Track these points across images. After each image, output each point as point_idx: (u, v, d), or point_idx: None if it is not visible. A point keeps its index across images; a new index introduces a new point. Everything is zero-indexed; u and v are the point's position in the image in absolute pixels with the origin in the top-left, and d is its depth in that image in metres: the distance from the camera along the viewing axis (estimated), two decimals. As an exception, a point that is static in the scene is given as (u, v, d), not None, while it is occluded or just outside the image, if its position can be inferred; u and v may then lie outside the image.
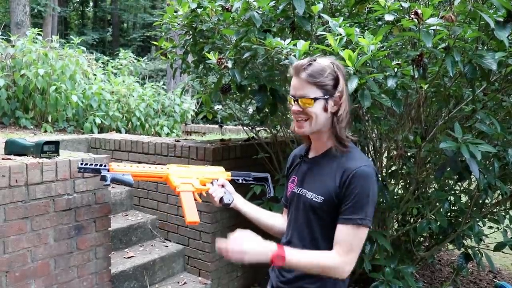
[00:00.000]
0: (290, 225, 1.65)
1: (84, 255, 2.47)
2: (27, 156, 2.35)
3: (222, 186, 1.79)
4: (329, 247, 1.47)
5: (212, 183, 1.79)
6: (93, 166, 1.74)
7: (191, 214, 1.70)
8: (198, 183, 1.78)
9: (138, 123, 6.38)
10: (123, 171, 1.72)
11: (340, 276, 1.46)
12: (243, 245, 1.40)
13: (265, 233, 1.79)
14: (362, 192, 1.42)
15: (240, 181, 1.92)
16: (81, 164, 1.75)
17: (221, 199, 1.73)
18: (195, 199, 1.74)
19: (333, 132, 1.51)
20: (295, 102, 1.49)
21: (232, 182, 1.88)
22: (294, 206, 1.62)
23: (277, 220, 1.77)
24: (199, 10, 2.96)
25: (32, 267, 2.24)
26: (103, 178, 1.69)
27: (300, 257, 1.44)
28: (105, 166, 1.73)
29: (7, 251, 2.13)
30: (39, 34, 5.99)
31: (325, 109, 1.47)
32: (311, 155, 1.63)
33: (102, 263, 2.58)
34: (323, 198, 1.48)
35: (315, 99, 1.46)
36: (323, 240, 1.50)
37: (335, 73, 1.47)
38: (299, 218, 1.59)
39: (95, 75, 6.48)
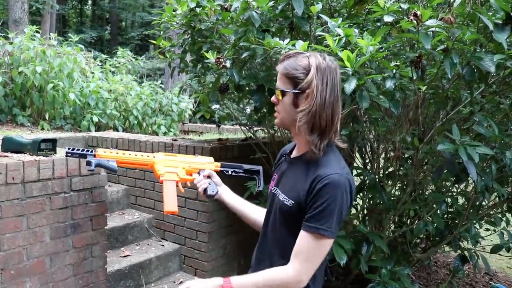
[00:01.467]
0: (263, 223, 1.63)
1: (80, 253, 2.46)
2: (24, 153, 2.34)
3: (209, 177, 1.75)
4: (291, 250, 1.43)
5: (198, 173, 1.77)
6: (80, 152, 1.77)
7: (170, 204, 1.70)
8: (183, 173, 1.77)
9: (136, 122, 6.36)
10: (109, 157, 1.74)
11: (296, 286, 1.40)
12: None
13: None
14: (330, 201, 1.34)
15: (230, 173, 1.88)
16: (69, 149, 1.78)
17: (205, 190, 1.71)
18: (178, 189, 1.74)
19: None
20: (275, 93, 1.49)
21: (222, 174, 1.85)
22: (269, 205, 1.59)
23: (263, 216, 1.70)
24: (197, 9, 2.96)
25: (28, 265, 2.23)
26: (88, 163, 1.71)
27: (250, 284, 1.43)
28: (91, 152, 1.75)
29: (2, 248, 2.12)
30: (37, 32, 5.97)
31: (295, 104, 1.42)
32: (293, 154, 1.57)
33: (98, 261, 2.57)
34: (293, 202, 1.43)
35: (283, 92, 1.43)
36: (290, 243, 1.43)
37: (309, 67, 1.39)
38: (270, 217, 1.56)
39: (93, 73, 6.46)
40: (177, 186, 1.75)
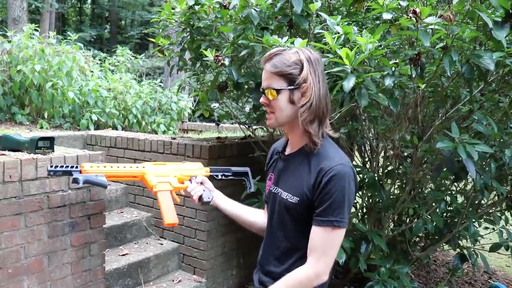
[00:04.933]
0: (267, 224, 1.60)
1: (78, 252, 2.45)
2: (22, 151, 2.33)
3: (201, 183, 1.73)
4: (305, 243, 1.42)
5: (190, 180, 1.73)
6: (64, 168, 1.67)
7: (169, 216, 1.65)
8: (175, 181, 1.73)
9: (135, 121, 6.35)
10: (96, 172, 1.66)
11: (320, 283, 1.41)
12: None
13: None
14: (338, 193, 1.35)
15: (220, 177, 1.86)
16: (51, 166, 1.68)
17: (200, 197, 1.67)
18: (173, 198, 1.69)
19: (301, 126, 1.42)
20: (263, 94, 1.45)
21: (212, 178, 1.83)
22: (271, 204, 1.57)
23: (259, 217, 1.71)
24: (196, 7, 2.95)
25: (26, 264, 2.22)
26: (75, 181, 1.63)
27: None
28: (76, 167, 1.67)
29: (0, 247, 2.11)
30: (36, 30, 5.95)
31: (291, 101, 1.40)
32: (287, 151, 1.56)
33: (96, 260, 2.56)
34: (298, 199, 1.43)
35: (278, 91, 1.40)
36: (299, 239, 1.45)
37: (301, 62, 1.39)
38: (274, 217, 1.54)
39: (92, 71, 6.44)
40: (171, 196, 1.71)
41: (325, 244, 1.38)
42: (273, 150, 1.69)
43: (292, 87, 1.39)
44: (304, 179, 1.42)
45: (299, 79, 1.38)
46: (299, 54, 1.40)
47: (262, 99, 1.46)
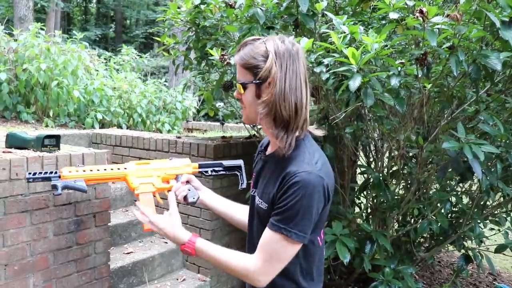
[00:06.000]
0: (248, 229, 1.52)
1: (83, 250, 2.46)
2: (28, 149, 2.34)
3: (188, 182, 1.65)
4: None
5: (176, 179, 1.67)
6: (42, 175, 1.65)
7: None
8: (159, 181, 1.66)
9: (140, 120, 6.37)
10: (76, 177, 1.63)
11: (253, 283, 1.31)
12: (161, 229, 1.44)
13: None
14: (296, 202, 1.21)
15: (209, 173, 1.79)
16: (29, 174, 1.66)
17: (185, 198, 1.61)
18: (156, 200, 1.63)
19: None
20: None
21: (202, 174, 1.79)
22: (250, 208, 1.49)
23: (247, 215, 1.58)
24: (202, 6, 2.96)
25: (31, 261, 2.23)
26: (54, 187, 1.61)
27: (213, 256, 1.36)
28: (56, 173, 1.64)
29: (6, 244, 2.12)
30: (41, 29, 5.98)
31: (258, 96, 1.29)
32: (268, 150, 1.44)
33: (101, 258, 2.57)
34: (267, 205, 1.32)
35: (243, 84, 1.30)
36: None
37: (266, 53, 1.26)
38: (253, 222, 1.46)
39: (97, 70, 6.47)
40: (154, 197, 1.64)
41: (272, 250, 1.27)
42: (259, 148, 1.56)
43: (257, 81, 1.28)
44: (272, 185, 1.31)
45: (261, 72, 1.26)
46: (266, 44, 1.27)
47: (235, 93, 1.38)
